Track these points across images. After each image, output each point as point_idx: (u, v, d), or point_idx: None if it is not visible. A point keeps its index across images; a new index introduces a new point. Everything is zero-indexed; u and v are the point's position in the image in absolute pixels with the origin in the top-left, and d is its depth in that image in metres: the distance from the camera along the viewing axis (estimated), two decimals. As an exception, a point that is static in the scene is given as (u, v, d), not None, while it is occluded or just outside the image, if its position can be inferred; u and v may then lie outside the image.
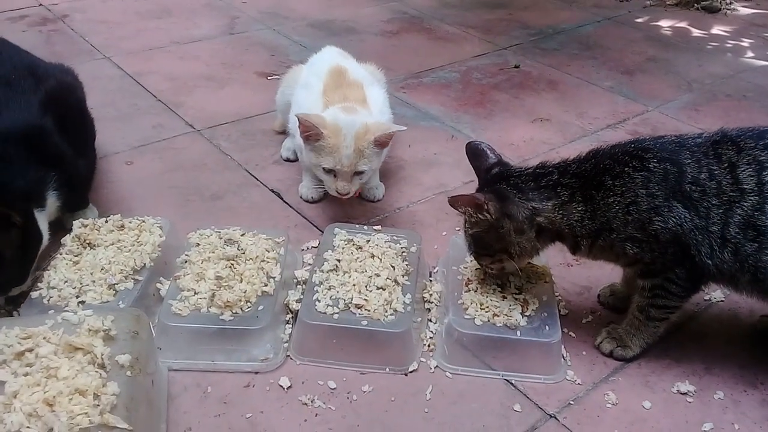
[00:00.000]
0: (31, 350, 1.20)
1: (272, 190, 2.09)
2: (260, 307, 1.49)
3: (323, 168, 1.83)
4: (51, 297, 1.46)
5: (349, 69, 2.06)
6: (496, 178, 1.50)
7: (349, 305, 1.50)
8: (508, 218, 1.43)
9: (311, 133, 1.80)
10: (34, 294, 1.48)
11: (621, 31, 3.53)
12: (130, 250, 1.59)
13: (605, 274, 1.71)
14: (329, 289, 1.54)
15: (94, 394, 1.12)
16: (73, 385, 1.13)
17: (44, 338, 1.22)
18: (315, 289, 1.55)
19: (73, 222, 1.67)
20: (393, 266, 1.62)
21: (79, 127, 1.82)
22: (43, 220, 1.60)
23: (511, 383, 1.46)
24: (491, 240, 1.46)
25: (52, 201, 1.65)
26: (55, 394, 1.11)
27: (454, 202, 1.47)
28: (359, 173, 1.84)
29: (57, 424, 1.07)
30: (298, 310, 1.54)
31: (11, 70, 1.77)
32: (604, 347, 1.53)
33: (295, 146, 2.12)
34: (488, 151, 1.57)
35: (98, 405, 1.11)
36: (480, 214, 1.43)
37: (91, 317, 1.27)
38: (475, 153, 1.59)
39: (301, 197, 2.04)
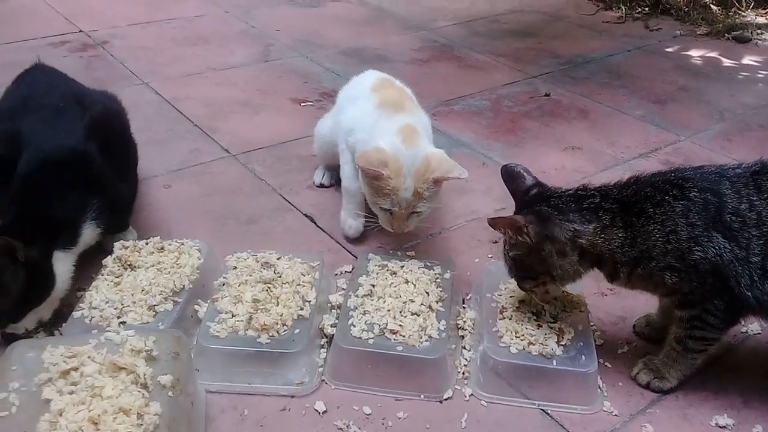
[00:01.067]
0: (76, 369, 1.22)
1: (306, 215, 2.12)
2: (296, 331, 1.51)
3: (380, 207, 1.77)
4: (93, 317, 1.49)
5: (395, 81, 2.08)
6: (534, 199, 1.50)
7: (384, 330, 1.51)
8: (550, 240, 1.42)
9: (372, 175, 1.72)
10: (76, 314, 1.52)
11: (651, 61, 3.54)
12: (169, 272, 1.62)
13: (640, 304, 1.70)
14: (364, 314, 1.56)
15: (138, 413, 1.15)
16: (117, 404, 1.15)
17: (89, 357, 1.25)
18: (350, 313, 1.56)
19: (114, 244, 1.70)
20: (427, 292, 1.62)
21: (122, 152, 1.87)
22: (66, 261, 1.61)
23: (547, 413, 1.45)
24: (533, 263, 1.46)
25: (91, 229, 1.68)
26: (99, 413, 1.14)
27: (494, 223, 1.47)
28: (417, 212, 1.77)
29: (101, 442, 1.09)
30: (332, 335, 1.55)
31: (60, 98, 1.83)
32: (641, 378, 1.52)
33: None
34: (524, 173, 1.58)
35: (141, 424, 1.13)
36: (519, 236, 1.43)
37: (133, 337, 1.30)
38: (510, 175, 1.59)
39: (346, 235, 1.99)
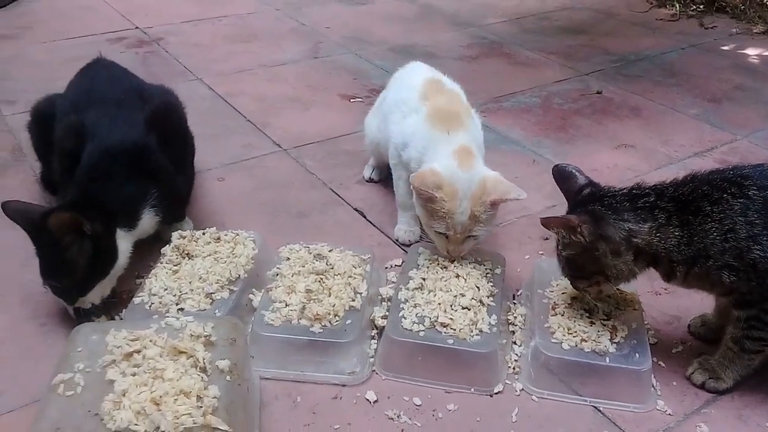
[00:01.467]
0: (138, 352, 1.26)
1: (356, 209, 2.14)
2: (348, 321, 1.53)
3: (435, 231, 1.71)
4: (152, 303, 1.54)
5: (443, 80, 2.02)
6: (588, 198, 1.49)
7: (435, 323, 1.51)
8: (604, 240, 1.41)
9: (425, 197, 1.67)
10: (137, 300, 1.57)
11: (706, 59, 3.46)
12: (225, 261, 1.66)
13: (695, 303, 1.67)
14: (415, 306, 1.57)
15: (197, 395, 1.18)
16: (177, 387, 1.18)
17: (150, 341, 1.28)
18: (400, 306, 1.57)
19: (172, 233, 1.75)
20: (478, 287, 1.63)
21: (180, 144, 1.91)
22: (126, 240, 1.67)
23: (599, 410, 1.44)
24: (586, 262, 1.45)
25: (149, 217, 1.74)
26: (161, 394, 1.17)
27: (547, 223, 1.47)
28: (473, 236, 1.70)
29: (163, 422, 1.12)
30: (383, 326, 1.57)
31: (122, 91, 1.89)
32: (696, 378, 1.50)
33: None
34: (576, 173, 1.57)
35: (201, 406, 1.16)
36: (573, 236, 1.42)
37: (192, 323, 1.33)
38: (562, 175, 1.59)
39: (397, 239, 1.98)
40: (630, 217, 1.42)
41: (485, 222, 1.69)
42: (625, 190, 1.48)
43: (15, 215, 1.59)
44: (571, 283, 1.55)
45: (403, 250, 1.93)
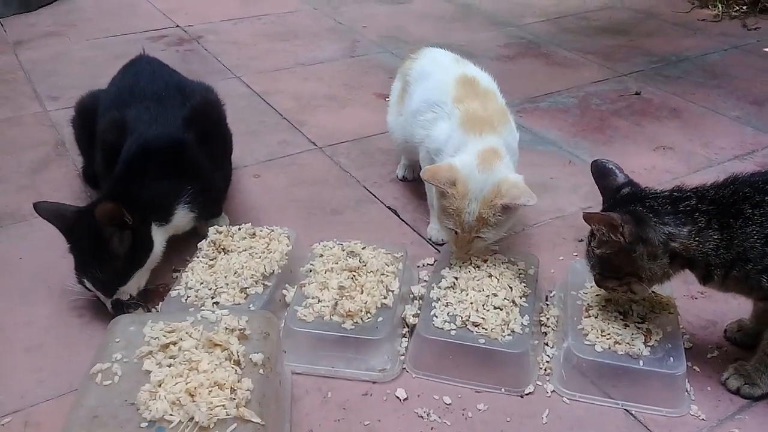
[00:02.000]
0: (174, 343, 1.29)
1: (389, 207, 2.15)
2: (380, 319, 1.53)
3: (445, 226, 1.73)
4: (188, 296, 1.57)
5: (476, 76, 1.96)
6: (628, 198, 1.47)
7: (466, 323, 1.51)
8: (643, 242, 1.39)
9: (437, 190, 1.69)
10: (173, 293, 1.60)
11: (749, 60, 3.39)
12: (260, 256, 1.68)
13: (732, 308, 1.64)
14: (446, 305, 1.57)
15: (231, 388, 1.20)
16: (212, 378, 1.20)
17: (186, 333, 1.31)
18: (432, 304, 1.58)
19: (209, 228, 1.78)
20: (511, 287, 1.62)
21: (218, 141, 1.95)
22: (160, 234, 1.70)
23: (631, 414, 1.43)
24: (620, 263, 1.43)
25: (183, 213, 1.77)
26: (196, 386, 1.19)
27: (589, 218, 1.45)
28: (481, 237, 1.68)
29: (198, 413, 1.14)
30: (414, 324, 1.58)
31: (163, 87, 1.92)
32: (731, 384, 1.47)
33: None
34: (616, 170, 1.54)
35: (234, 399, 1.18)
36: (613, 235, 1.40)
37: (227, 316, 1.36)
38: (602, 172, 1.56)
39: (430, 238, 1.98)
40: (670, 220, 1.39)
41: (494, 226, 1.66)
42: (666, 193, 1.45)
43: (48, 215, 1.64)
44: (596, 282, 1.52)
45: (436, 249, 1.93)
